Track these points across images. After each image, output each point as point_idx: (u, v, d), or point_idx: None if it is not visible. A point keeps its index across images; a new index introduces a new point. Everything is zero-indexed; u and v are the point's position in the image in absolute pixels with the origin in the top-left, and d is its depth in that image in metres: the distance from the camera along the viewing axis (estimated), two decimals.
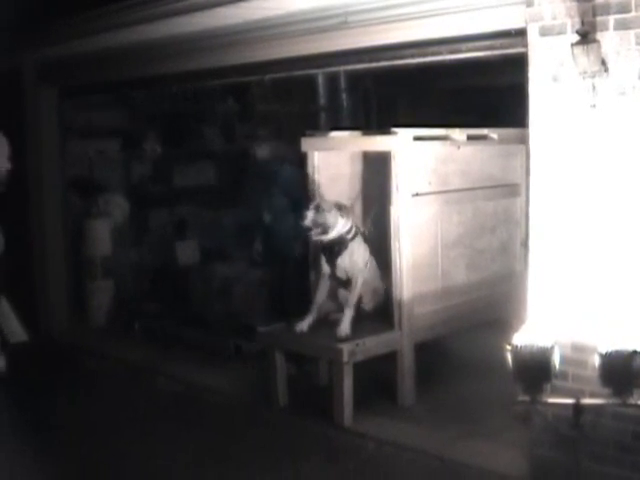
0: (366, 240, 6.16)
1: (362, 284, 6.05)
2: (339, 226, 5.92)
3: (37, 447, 5.02)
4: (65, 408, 6.13)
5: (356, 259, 6.01)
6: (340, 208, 5.95)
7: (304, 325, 6.03)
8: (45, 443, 5.28)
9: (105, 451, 5.30)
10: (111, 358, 7.60)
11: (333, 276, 6.10)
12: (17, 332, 4.20)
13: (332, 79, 9.36)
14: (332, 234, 5.90)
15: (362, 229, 6.25)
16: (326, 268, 6.08)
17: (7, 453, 4.16)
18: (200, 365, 7.25)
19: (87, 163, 9.55)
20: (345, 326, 5.85)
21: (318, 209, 5.87)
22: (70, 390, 6.53)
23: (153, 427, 5.84)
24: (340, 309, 6.11)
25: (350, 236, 5.98)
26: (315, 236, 5.90)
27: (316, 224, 5.85)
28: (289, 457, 5.28)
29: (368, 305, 6.23)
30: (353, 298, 6.00)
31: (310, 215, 5.84)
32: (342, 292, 6.17)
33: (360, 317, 6.06)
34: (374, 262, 6.19)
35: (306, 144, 6.45)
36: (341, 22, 5.65)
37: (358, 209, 6.64)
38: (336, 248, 5.98)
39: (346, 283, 6.10)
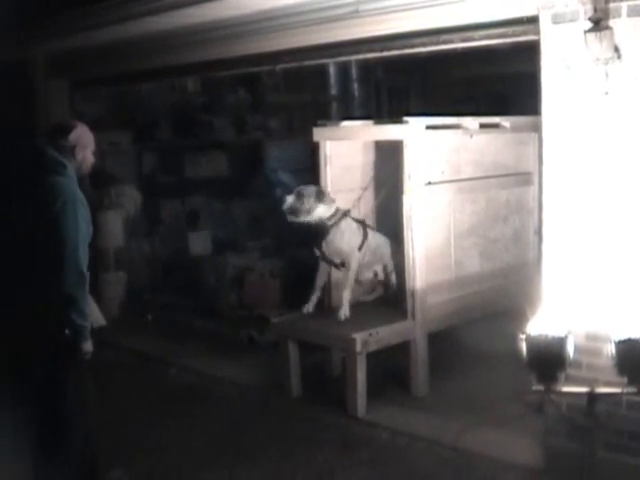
0: (362, 223, 6.30)
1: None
2: (318, 211, 6.04)
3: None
4: None
5: (339, 244, 6.13)
6: (319, 195, 6.07)
7: (310, 306, 6.24)
8: None
9: (117, 441, 5.30)
10: (124, 349, 7.60)
11: (327, 260, 6.21)
12: (98, 318, 4.60)
13: (343, 69, 9.36)
14: (306, 218, 6.04)
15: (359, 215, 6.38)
16: (315, 251, 6.23)
17: (21, 443, 4.18)
18: (213, 356, 7.26)
19: (99, 155, 9.54)
20: (345, 309, 6.02)
21: (298, 195, 6.04)
22: None
23: (165, 418, 5.87)
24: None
25: (332, 222, 6.08)
26: (290, 218, 6.10)
27: (294, 208, 6.04)
28: (302, 447, 5.29)
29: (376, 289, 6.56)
30: (349, 280, 6.12)
31: (290, 200, 6.04)
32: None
33: (376, 303, 6.38)
34: (381, 243, 6.42)
35: (318, 134, 6.44)
36: (352, 11, 5.61)
37: (370, 198, 6.64)
38: (319, 233, 6.11)
39: (343, 266, 6.22)
